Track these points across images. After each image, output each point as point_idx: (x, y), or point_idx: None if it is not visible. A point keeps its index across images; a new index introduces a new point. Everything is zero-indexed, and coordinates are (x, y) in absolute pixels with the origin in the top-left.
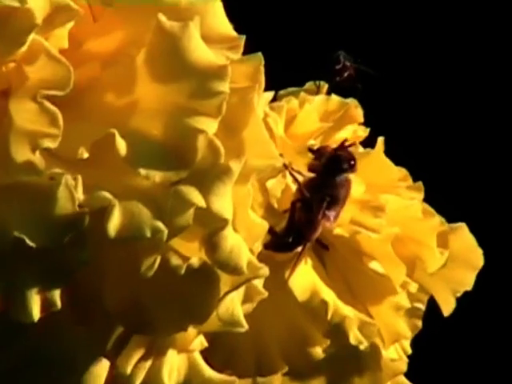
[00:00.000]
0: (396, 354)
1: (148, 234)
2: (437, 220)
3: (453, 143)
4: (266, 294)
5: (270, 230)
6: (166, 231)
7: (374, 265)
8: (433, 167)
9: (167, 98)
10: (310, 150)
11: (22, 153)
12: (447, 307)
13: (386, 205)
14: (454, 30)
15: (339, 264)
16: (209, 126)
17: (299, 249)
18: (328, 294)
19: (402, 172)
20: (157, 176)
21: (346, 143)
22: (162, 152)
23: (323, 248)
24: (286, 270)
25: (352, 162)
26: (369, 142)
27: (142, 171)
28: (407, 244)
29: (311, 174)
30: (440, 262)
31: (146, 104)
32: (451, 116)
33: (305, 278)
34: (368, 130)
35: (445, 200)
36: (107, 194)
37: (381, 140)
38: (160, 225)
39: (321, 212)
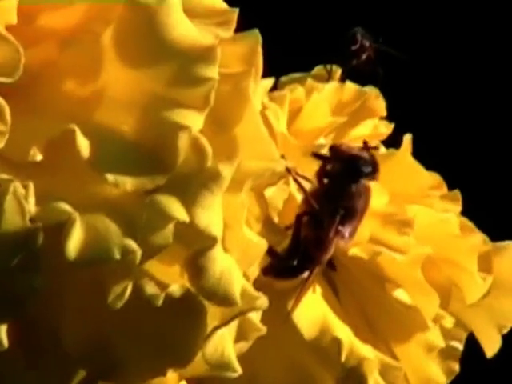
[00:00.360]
0: None
1: (117, 255)
2: (478, 238)
3: (499, 143)
4: (264, 330)
5: (270, 251)
6: (139, 252)
7: (400, 293)
8: (473, 172)
9: (141, 86)
10: (316, 155)
11: None
12: (491, 346)
13: (415, 219)
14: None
15: (356, 293)
16: (193, 120)
17: (306, 274)
18: (342, 331)
19: (434, 178)
20: (128, 183)
21: (365, 142)
22: (134, 153)
23: (330, 268)
24: (290, 300)
25: (372, 166)
26: (393, 141)
27: (110, 177)
28: (441, 267)
29: (321, 181)
30: (482, 289)
31: (114, 93)
32: (493, 110)
33: (313, 311)
34: (392, 125)
35: (488, 213)
36: (66, 206)
37: (407, 138)
38: (132, 244)
39: (333, 228)
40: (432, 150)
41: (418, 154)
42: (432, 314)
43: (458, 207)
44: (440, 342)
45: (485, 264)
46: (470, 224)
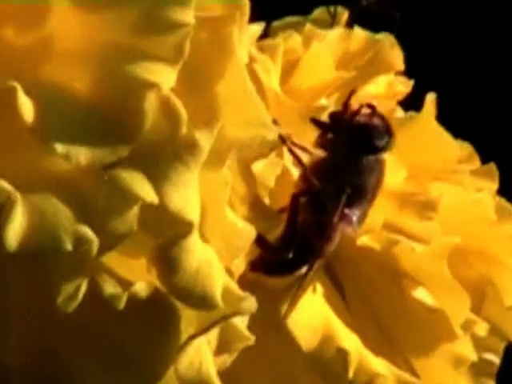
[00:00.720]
0: None
1: (68, 245)
2: None
3: None
4: (251, 339)
5: (259, 240)
6: (96, 241)
7: (421, 293)
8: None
9: (98, 33)
10: (316, 122)
11: None
12: None
13: (440, 199)
14: None
15: (366, 292)
16: (163, 76)
17: (304, 269)
18: (348, 340)
19: (464, 149)
20: (82, 155)
21: (371, 105)
22: (89, 117)
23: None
24: (284, 302)
25: (387, 137)
26: (412, 102)
27: (59, 147)
28: (472, 261)
29: (323, 152)
30: None
31: (64, 43)
32: None
33: (312, 315)
34: (411, 82)
35: None
36: (4, 184)
37: (431, 99)
38: (87, 231)
39: (338, 211)
40: (461, 114)
41: (444, 118)
42: (461, 320)
43: (494, 185)
44: (471, 355)
45: None
46: (508, 206)
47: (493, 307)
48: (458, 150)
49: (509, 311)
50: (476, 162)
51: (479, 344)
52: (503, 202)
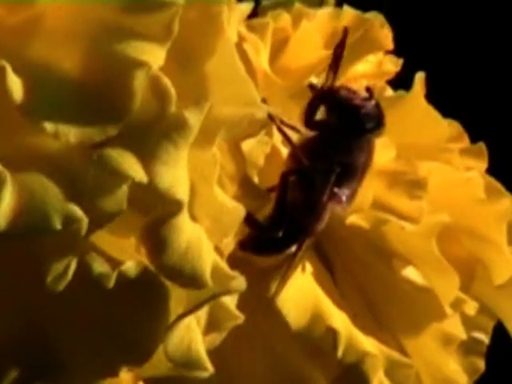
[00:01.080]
0: None
1: (57, 224)
2: (507, 202)
3: None
4: (241, 318)
5: (249, 219)
6: (85, 220)
7: (410, 272)
8: (500, 121)
9: (87, 12)
10: (312, 87)
11: None
12: None
13: (429, 178)
14: None
15: (356, 272)
16: (152, 55)
17: (293, 248)
18: (338, 319)
19: (453, 128)
20: (71, 134)
21: (369, 88)
22: (78, 96)
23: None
24: (273, 281)
25: (377, 120)
26: (402, 81)
27: (48, 126)
28: (461, 240)
29: (312, 131)
30: None
31: (53, 22)
32: None
33: (302, 294)
34: (400, 61)
35: None
36: None
37: (420, 78)
38: (76, 210)
39: (327, 189)
40: (451, 93)
41: (434, 97)
42: (450, 298)
43: (483, 164)
44: (460, 333)
45: None
46: (497, 185)
47: (482, 286)
48: (447, 128)
49: (498, 290)
50: (465, 141)
51: (468, 323)
52: (492, 180)
